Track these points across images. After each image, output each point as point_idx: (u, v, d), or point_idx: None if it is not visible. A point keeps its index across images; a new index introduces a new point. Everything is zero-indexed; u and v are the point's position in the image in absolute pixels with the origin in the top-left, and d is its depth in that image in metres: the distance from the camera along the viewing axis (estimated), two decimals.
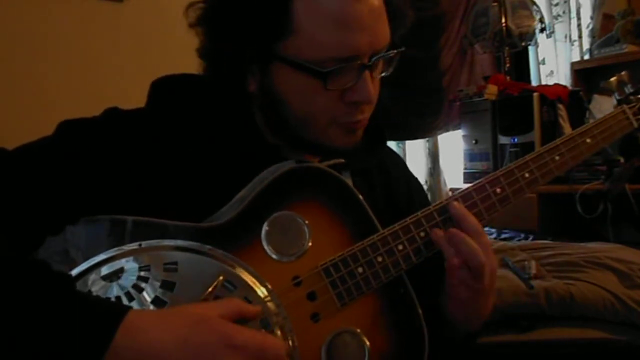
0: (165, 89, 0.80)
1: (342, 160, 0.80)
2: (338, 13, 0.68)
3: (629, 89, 0.89)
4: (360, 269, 0.71)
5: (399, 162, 0.98)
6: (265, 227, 0.70)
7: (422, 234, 0.75)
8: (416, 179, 1.00)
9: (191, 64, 0.81)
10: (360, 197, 0.74)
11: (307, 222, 0.71)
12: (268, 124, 0.78)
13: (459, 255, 0.71)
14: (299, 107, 0.74)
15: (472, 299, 0.75)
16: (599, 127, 0.85)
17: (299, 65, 0.70)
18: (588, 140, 0.84)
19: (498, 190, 0.79)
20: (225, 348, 0.56)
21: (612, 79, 0.92)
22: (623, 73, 0.92)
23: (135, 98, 0.79)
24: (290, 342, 0.66)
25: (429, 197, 2.70)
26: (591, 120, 0.86)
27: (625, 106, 0.88)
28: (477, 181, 0.79)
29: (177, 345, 0.55)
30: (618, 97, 0.90)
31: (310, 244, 0.71)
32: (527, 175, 0.80)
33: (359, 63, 0.71)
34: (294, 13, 0.69)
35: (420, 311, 0.72)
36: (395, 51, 0.75)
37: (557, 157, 0.82)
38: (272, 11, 0.69)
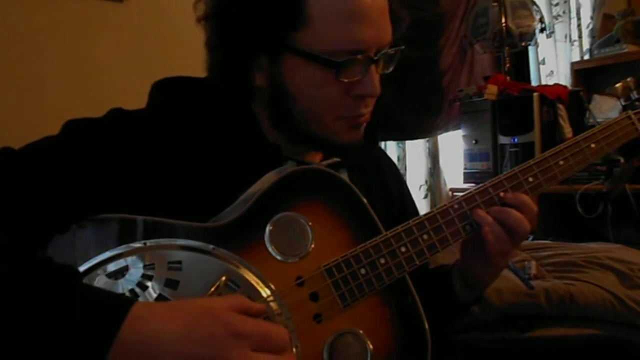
0: (166, 90, 0.80)
1: (338, 159, 0.81)
2: (349, 5, 0.70)
3: (634, 95, 0.89)
4: (363, 270, 0.71)
5: (392, 165, 1.01)
6: (268, 228, 0.70)
7: (425, 236, 0.75)
8: (406, 184, 1.02)
9: (191, 64, 0.82)
10: (364, 198, 0.75)
11: (310, 223, 0.72)
12: (273, 120, 0.78)
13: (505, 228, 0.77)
14: (307, 100, 0.74)
15: (504, 263, 0.80)
16: (603, 133, 0.85)
17: (312, 56, 0.71)
18: (592, 146, 0.84)
19: (501, 194, 0.79)
20: (230, 337, 0.56)
21: (618, 84, 0.92)
22: (629, 79, 0.92)
23: (135, 98, 0.79)
24: (292, 342, 0.66)
25: (429, 197, 2.72)
26: (591, 121, 0.86)
27: (630, 112, 0.88)
28: (480, 185, 0.80)
29: (182, 335, 0.55)
30: (623, 103, 0.90)
31: (313, 245, 0.71)
32: (530, 179, 0.80)
33: (367, 56, 0.73)
34: (308, 4, 0.70)
35: (424, 314, 0.73)
36: (397, 48, 0.77)
37: (561, 162, 0.82)
38: (286, 2, 0.70)
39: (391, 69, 0.79)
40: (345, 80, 0.72)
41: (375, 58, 0.74)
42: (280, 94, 0.75)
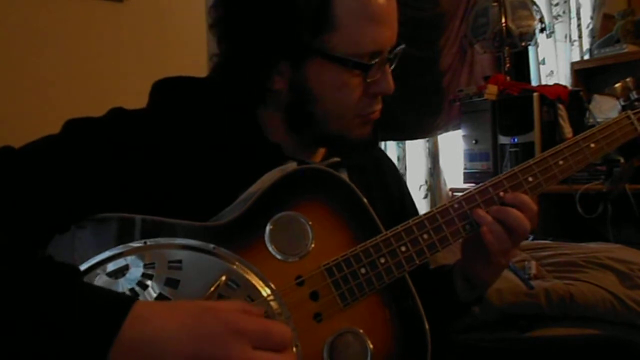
0: (167, 89, 0.80)
1: (338, 159, 0.81)
2: (371, 8, 0.72)
3: (633, 95, 0.89)
4: (363, 270, 0.71)
5: (392, 166, 1.02)
6: (269, 227, 0.70)
7: (425, 235, 0.75)
8: (406, 184, 1.03)
9: (191, 64, 0.82)
10: (364, 198, 0.75)
11: (310, 222, 0.72)
12: (292, 123, 0.79)
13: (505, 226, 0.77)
14: (330, 102, 0.76)
15: (505, 262, 0.80)
16: (602, 132, 0.85)
17: (340, 60, 0.73)
18: (592, 145, 0.84)
19: (501, 194, 0.79)
20: (230, 334, 0.56)
21: (617, 85, 0.92)
22: (628, 80, 0.92)
23: (135, 98, 0.79)
24: (292, 342, 0.66)
25: (429, 197, 2.72)
26: (591, 120, 0.86)
27: (630, 112, 0.88)
28: (480, 184, 0.80)
29: (182, 333, 0.55)
30: (623, 103, 0.90)
31: (313, 244, 0.71)
32: (530, 179, 0.81)
33: (384, 56, 0.75)
34: (335, 8, 0.71)
35: (424, 314, 0.72)
36: (401, 47, 0.78)
37: (560, 162, 0.82)
38: (314, 6, 0.71)
39: (393, 66, 0.80)
40: (370, 81, 0.74)
41: (390, 57, 0.76)
42: (301, 97, 0.76)
